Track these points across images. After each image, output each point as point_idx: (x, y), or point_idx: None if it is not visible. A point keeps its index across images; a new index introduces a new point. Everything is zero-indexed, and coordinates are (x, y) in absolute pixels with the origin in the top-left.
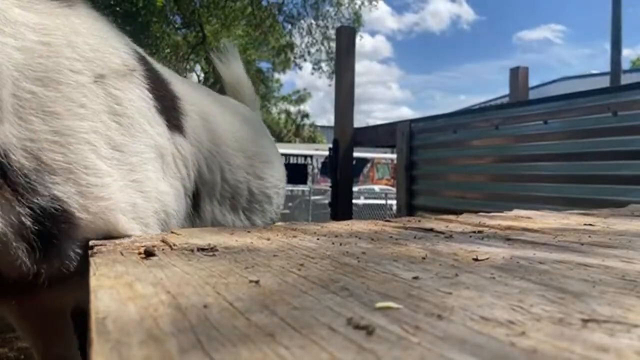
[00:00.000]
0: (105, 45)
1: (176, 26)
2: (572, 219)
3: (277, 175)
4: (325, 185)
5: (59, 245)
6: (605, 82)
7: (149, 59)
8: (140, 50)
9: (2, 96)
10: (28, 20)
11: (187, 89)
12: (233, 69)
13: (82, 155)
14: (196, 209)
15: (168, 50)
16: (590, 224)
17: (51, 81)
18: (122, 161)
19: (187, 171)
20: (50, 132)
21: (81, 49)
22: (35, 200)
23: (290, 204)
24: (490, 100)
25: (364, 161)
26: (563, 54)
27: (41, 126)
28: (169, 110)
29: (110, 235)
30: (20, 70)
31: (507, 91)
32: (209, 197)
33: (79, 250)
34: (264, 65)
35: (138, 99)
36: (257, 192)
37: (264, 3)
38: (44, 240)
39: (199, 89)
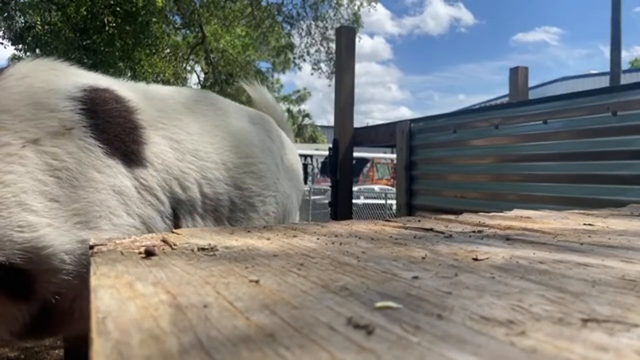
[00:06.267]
0: (42, 111)
1: (176, 26)
2: (572, 219)
3: (261, 184)
4: (325, 185)
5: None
6: (604, 82)
7: (114, 88)
8: (101, 84)
9: None
10: None
11: (160, 110)
12: (261, 92)
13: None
14: (177, 227)
15: (168, 51)
16: (590, 224)
17: None
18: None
19: (157, 198)
20: None
21: (9, 123)
22: None
23: None
24: (490, 100)
25: (364, 161)
26: (559, 55)
27: None
28: (125, 146)
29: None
30: None
31: (505, 91)
32: (189, 214)
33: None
34: (264, 66)
35: (78, 151)
36: (239, 202)
37: (264, 3)
38: None
39: (178, 103)
